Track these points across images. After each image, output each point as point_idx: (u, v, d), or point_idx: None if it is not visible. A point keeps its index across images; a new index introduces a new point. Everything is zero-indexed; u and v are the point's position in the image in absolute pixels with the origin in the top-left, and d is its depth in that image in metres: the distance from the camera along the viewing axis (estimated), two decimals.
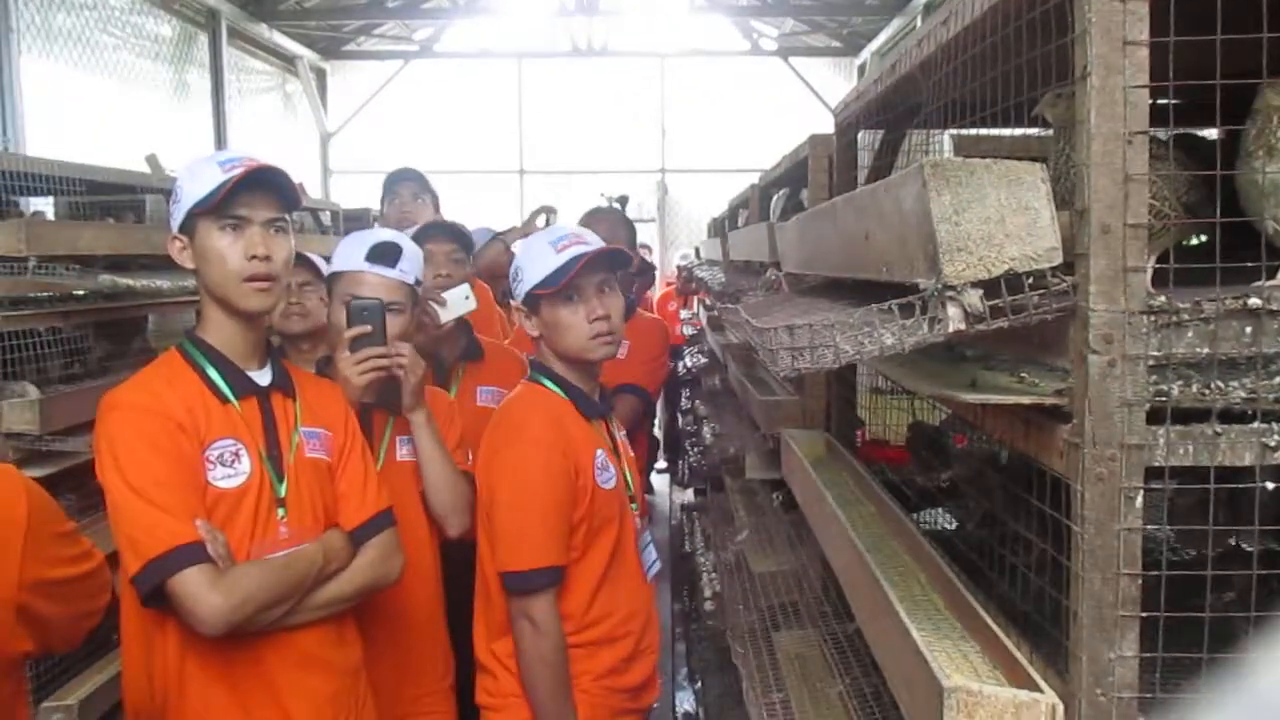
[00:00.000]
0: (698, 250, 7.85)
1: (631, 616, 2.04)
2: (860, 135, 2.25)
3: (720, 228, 5.35)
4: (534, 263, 2.04)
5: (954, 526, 1.87)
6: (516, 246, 2.73)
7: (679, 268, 8.41)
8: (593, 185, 10.76)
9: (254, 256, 1.68)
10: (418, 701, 2.20)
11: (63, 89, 7.54)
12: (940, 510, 1.98)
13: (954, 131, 2.05)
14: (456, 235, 2.72)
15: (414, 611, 2.17)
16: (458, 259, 2.71)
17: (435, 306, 2.47)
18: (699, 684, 4.30)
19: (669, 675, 4.87)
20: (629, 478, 2.12)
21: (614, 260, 2.06)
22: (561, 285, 1.97)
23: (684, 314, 7.90)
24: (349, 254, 2.20)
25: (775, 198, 3.47)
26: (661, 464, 8.11)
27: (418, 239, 2.69)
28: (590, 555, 1.99)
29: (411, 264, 2.21)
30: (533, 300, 2.05)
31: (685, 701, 4.65)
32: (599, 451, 2.02)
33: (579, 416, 2.04)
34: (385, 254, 2.17)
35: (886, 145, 2.16)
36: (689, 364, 5.80)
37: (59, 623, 1.32)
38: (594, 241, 2.04)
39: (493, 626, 2.03)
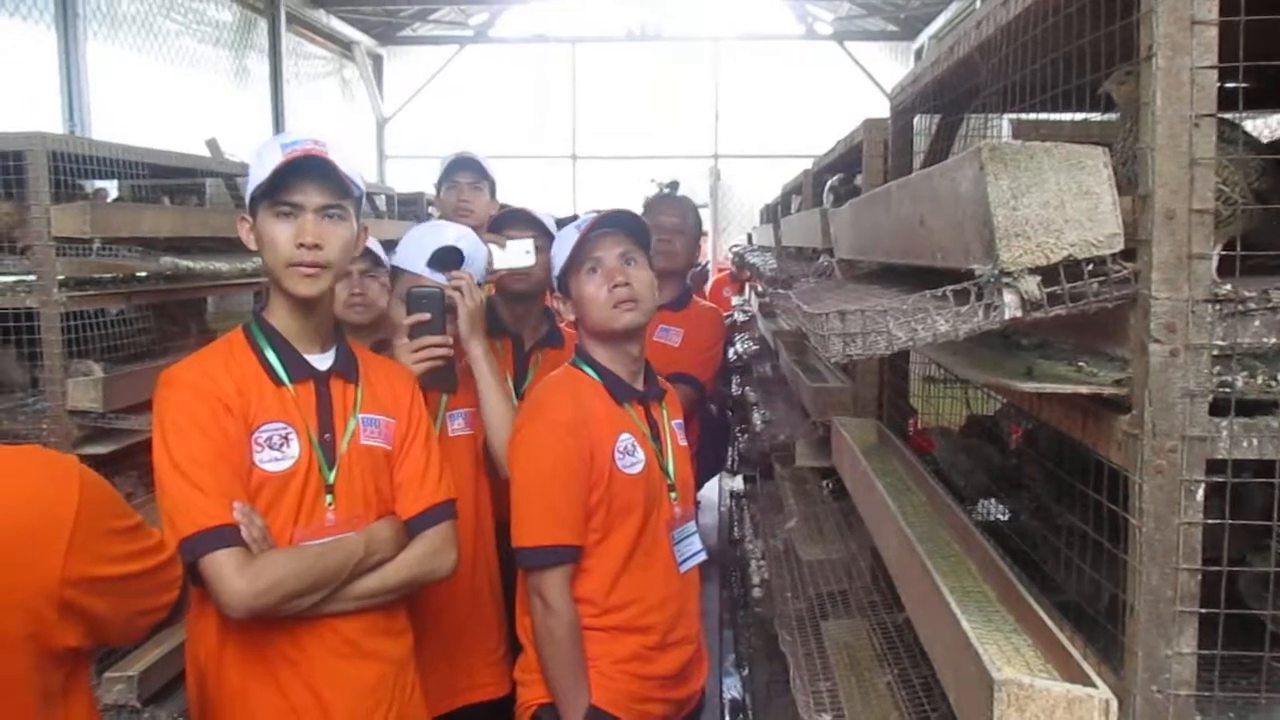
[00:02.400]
0: (750, 236, 7.81)
1: (659, 606, 2.03)
2: (916, 120, 2.22)
3: (773, 213, 5.31)
4: (561, 246, 2.09)
5: (1007, 518, 1.84)
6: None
7: (732, 253, 8.38)
8: (646, 170, 10.74)
9: (302, 244, 1.69)
10: (472, 675, 2.23)
11: (127, 74, 7.69)
12: (994, 501, 1.95)
13: (1013, 116, 2.02)
14: (536, 225, 2.73)
15: (466, 586, 2.20)
16: (537, 247, 2.73)
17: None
18: (746, 671, 4.30)
19: (715, 662, 4.87)
20: (669, 466, 2.12)
21: (631, 226, 2.07)
22: (579, 256, 2.00)
23: (736, 300, 7.87)
24: (412, 253, 2.23)
25: (829, 183, 3.44)
26: None
27: (497, 226, 2.71)
28: (611, 539, 1.99)
29: (475, 266, 2.24)
30: (564, 283, 2.08)
31: (732, 689, 4.65)
32: (624, 435, 2.02)
33: (609, 399, 2.05)
34: (446, 261, 2.20)
35: (943, 130, 2.12)
36: (740, 350, 5.77)
37: (115, 619, 1.28)
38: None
39: (523, 603, 2.06)
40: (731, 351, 5.98)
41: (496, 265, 2.47)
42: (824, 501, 2.93)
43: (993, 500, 1.95)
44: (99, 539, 1.21)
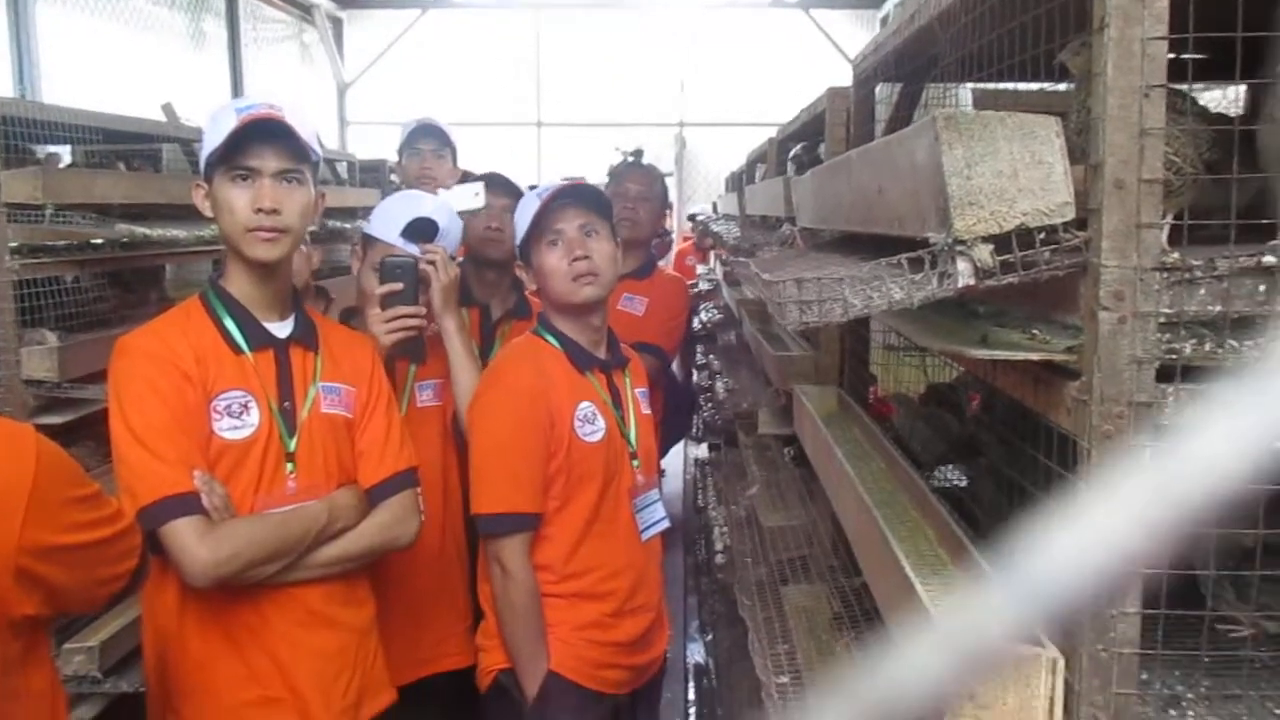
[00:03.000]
0: (715, 205, 7.80)
1: (619, 573, 2.05)
2: (878, 88, 2.23)
3: (738, 182, 5.31)
4: (522, 215, 2.08)
5: (964, 484, 1.87)
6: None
7: (693, 221, 8.37)
8: (611, 138, 10.68)
9: (260, 209, 1.68)
10: (440, 644, 2.24)
11: (79, 36, 7.51)
12: (951, 468, 1.98)
13: (973, 85, 2.03)
14: (510, 189, 2.71)
15: (430, 556, 2.20)
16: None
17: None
18: (710, 636, 4.35)
19: (680, 628, 4.92)
20: (631, 434, 2.13)
21: (592, 200, 2.07)
22: (540, 226, 2.00)
23: (700, 269, 7.88)
24: (385, 222, 2.21)
25: (792, 152, 3.44)
26: None
27: None
28: (571, 507, 2.00)
29: (449, 240, 2.23)
30: (525, 252, 2.08)
31: (696, 654, 4.70)
32: (584, 404, 2.03)
33: (570, 368, 2.05)
34: (421, 231, 2.18)
35: (905, 99, 2.13)
36: (704, 319, 5.79)
37: (74, 587, 1.28)
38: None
39: (483, 569, 2.07)
40: (696, 320, 6.00)
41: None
42: (786, 468, 2.95)
43: (950, 467, 1.98)
44: (56, 508, 1.21)
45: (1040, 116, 0.95)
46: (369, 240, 2.25)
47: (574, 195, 2.05)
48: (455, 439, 2.28)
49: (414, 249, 2.15)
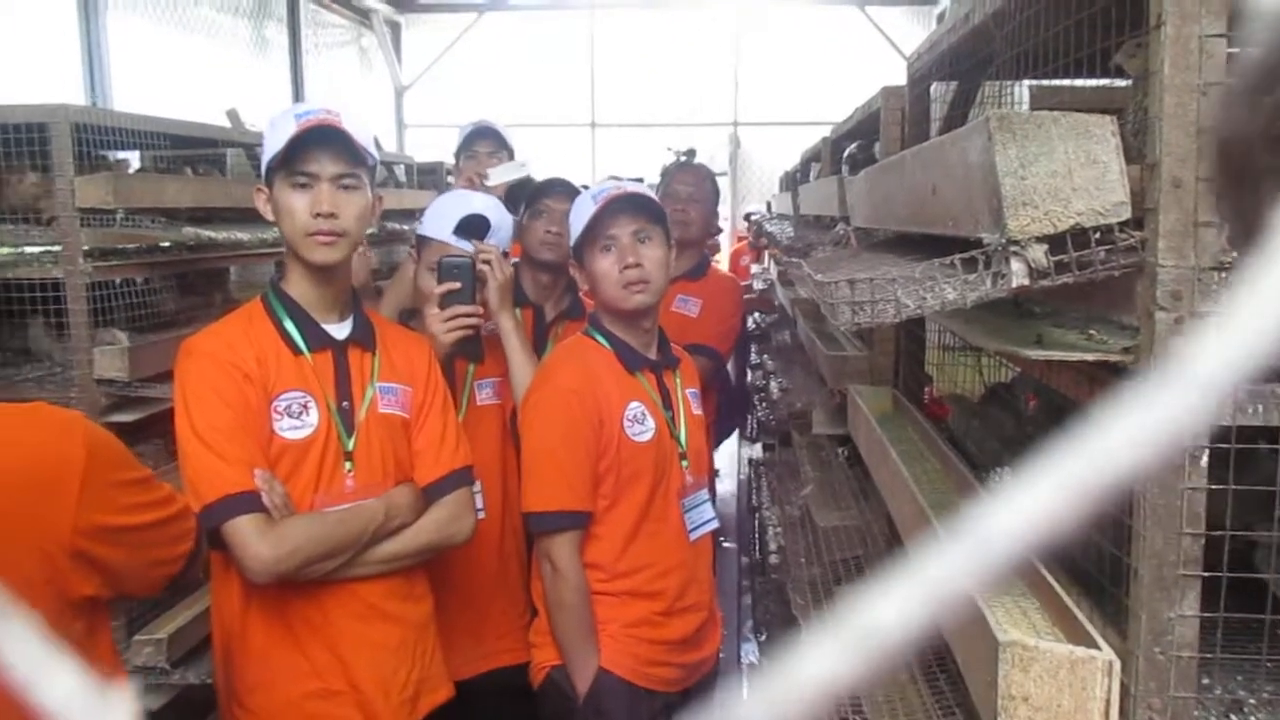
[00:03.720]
0: (769, 204, 7.77)
1: (668, 573, 2.06)
2: (934, 87, 2.21)
3: (792, 181, 5.29)
4: (576, 217, 2.08)
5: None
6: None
7: (749, 221, 8.35)
8: (665, 138, 10.69)
9: (318, 214, 1.71)
10: (499, 640, 2.27)
11: (146, 44, 7.70)
12: (1009, 469, 1.96)
13: (1031, 82, 2.01)
14: (574, 196, 2.73)
15: (490, 553, 2.23)
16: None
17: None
18: (764, 636, 4.34)
19: (734, 628, 4.92)
20: (681, 434, 2.13)
21: (645, 206, 2.07)
22: (593, 231, 2.01)
23: (755, 269, 7.85)
24: (439, 221, 2.24)
25: (847, 151, 3.43)
26: None
27: (537, 193, 2.72)
28: (620, 506, 2.02)
29: (500, 236, 2.25)
30: (578, 253, 2.09)
31: (750, 653, 4.70)
32: (634, 404, 2.04)
33: (620, 368, 2.07)
34: (473, 228, 2.21)
35: (960, 97, 2.12)
36: (759, 319, 5.77)
37: (130, 569, 1.32)
38: (633, 190, 2.07)
39: (535, 567, 2.10)
40: (750, 320, 5.99)
41: (493, 181, 2.49)
42: (840, 468, 2.94)
43: (1008, 468, 1.96)
44: (108, 490, 1.25)
45: (1095, 116, 0.94)
46: (423, 241, 2.28)
47: (628, 202, 2.06)
48: (514, 436, 2.31)
49: (467, 245, 2.18)
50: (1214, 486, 0.93)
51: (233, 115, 4.10)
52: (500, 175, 2.47)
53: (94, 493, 1.21)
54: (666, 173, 3.88)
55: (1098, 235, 0.95)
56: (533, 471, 2.02)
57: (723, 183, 11.63)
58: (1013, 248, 0.95)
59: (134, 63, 7.40)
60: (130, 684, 1.46)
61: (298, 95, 9.99)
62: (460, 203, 2.29)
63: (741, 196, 11.97)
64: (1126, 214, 0.94)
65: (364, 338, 1.86)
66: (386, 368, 1.87)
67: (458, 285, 2.09)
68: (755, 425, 5.82)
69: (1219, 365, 0.16)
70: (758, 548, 4.74)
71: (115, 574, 1.29)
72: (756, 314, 5.95)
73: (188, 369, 1.71)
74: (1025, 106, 2.07)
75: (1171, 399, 0.16)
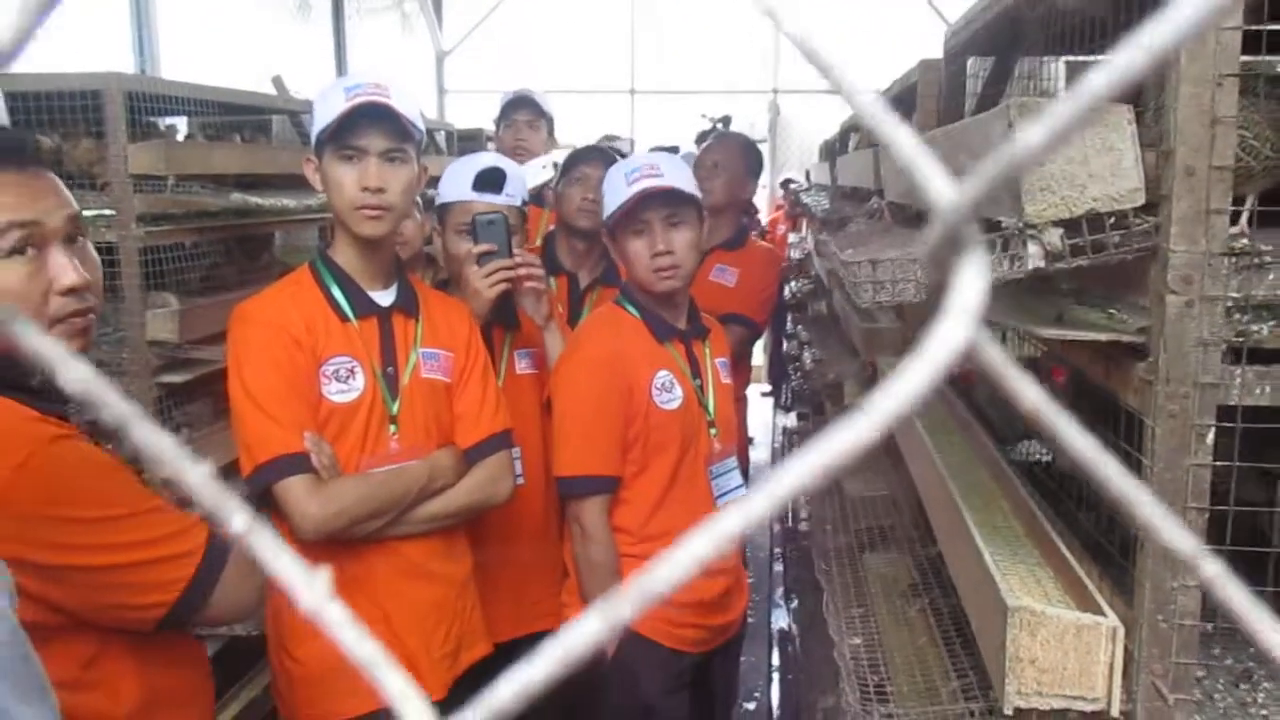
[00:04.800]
0: (808, 174, 7.75)
1: None
2: (970, 62, 2.23)
3: (830, 151, 5.29)
4: (610, 193, 2.12)
5: (1043, 458, 1.89)
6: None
7: (785, 189, 8.32)
8: (704, 106, 10.65)
9: (366, 188, 1.77)
10: (536, 605, 2.33)
11: (192, 11, 7.79)
12: (1033, 442, 2.00)
13: (1067, 59, 2.02)
14: (610, 162, 2.77)
15: (532, 520, 2.30)
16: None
17: None
18: (794, 603, 4.41)
19: (765, 594, 4.99)
20: (709, 403, 2.18)
21: (678, 198, 2.10)
22: (625, 218, 2.04)
23: (792, 238, 7.84)
24: (455, 184, 2.28)
25: None
26: (765, 388, 8.14)
27: (573, 160, 2.76)
28: (649, 472, 2.08)
29: (516, 186, 2.29)
30: (610, 229, 2.13)
31: (780, 619, 4.77)
32: (662, 372, 2.09)
33: (649, 337, 2.11)
34: (491, 180, 2.24)
35: (996, 73, 2.13)
36: (794, 289, 5.79)
37: (77, 606, 1.22)
38: (667, 173, 2.07)
39: (566, 530, 2.16)
40: (786, 289, 6.00)
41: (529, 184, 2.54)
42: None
43: (1032, 441, 2.00)
44: (36, 522, 1.17)
45: (1113, 104, 0.97)
46: (445, 208, 2.30)
47: (660, 196, 2.08)
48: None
49: (490, 197, 2.21)
50: (1218, 464, 0.97)
51: (278, 83, 4.16)
52: (531, 181, 2.53)
53: (10, 520, 1.14)
54: (699, 141, 3.89)
55: (1112, 220, 0.98)
56: (563, 437, 2.08)
57: (762, 151, 11.58)
58: (1030, 231, 0.98)
59: (180, 29, 7.49)
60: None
61: (340, 61, 10.06)
62: (471, 162, 2.32)
63: (781, 165, 11.91)
64: (1141, 200, 0.98)
65: (408, 305, 1.92)
66: (429, 334, 1.93)
67: (494, 246, 2.13)
68: (790, 394, 5.86)
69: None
70: (789, 516, 4.79)
71: (64, 609, 1.20)
72: (793, 283, 5.96)
73: (240, 334, 1.79)
74: (1061, 83, 2.09)
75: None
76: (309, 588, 0.17)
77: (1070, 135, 0.19)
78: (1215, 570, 0.19)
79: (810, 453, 0.17)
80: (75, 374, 0.17)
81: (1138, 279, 1.10)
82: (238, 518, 0.18)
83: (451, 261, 2.28)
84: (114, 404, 0.18)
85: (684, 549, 0.18)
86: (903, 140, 0.16)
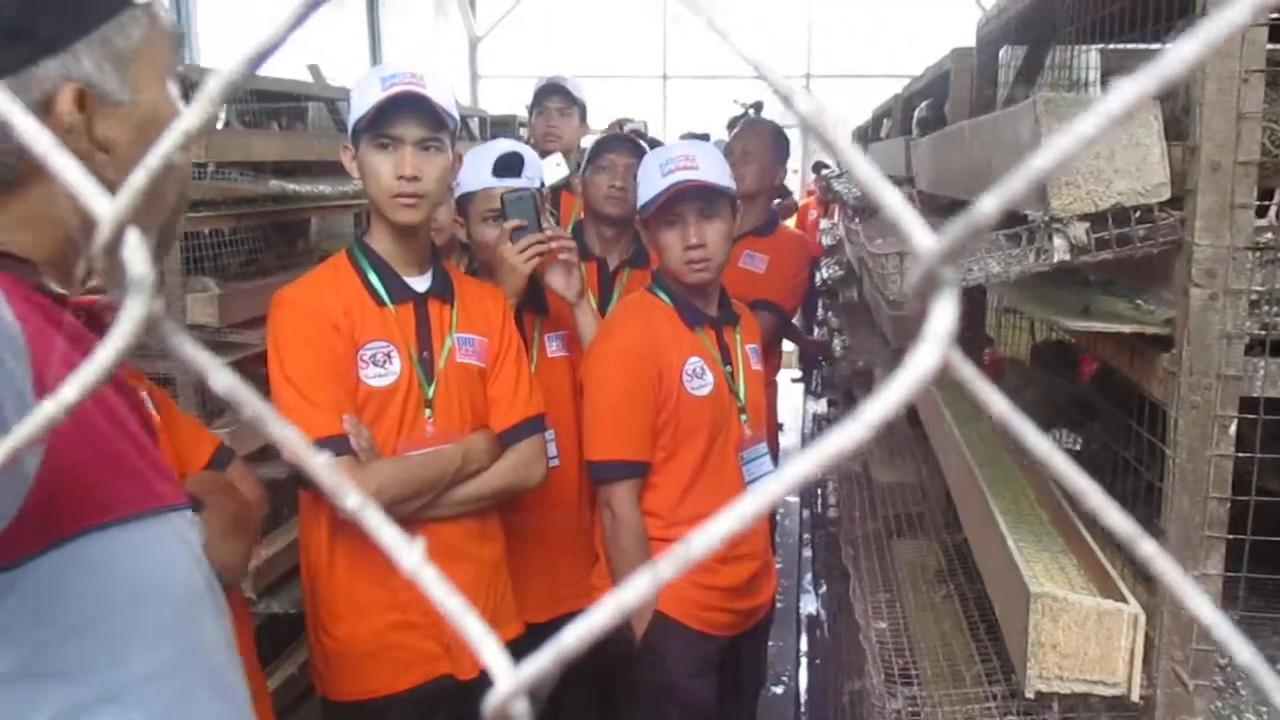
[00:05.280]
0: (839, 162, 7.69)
1: None
2: (1002, 51, 2.22)
3: (863, 137, 5.28)
4: (644, 183, 2.14)
5: (1074, 448, 1.90)
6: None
7: (818, 173, 8.29)
8: (737, 91, 10.60)
9: (402, 176, 1.80)
10: (571, 586, 2.36)
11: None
12: (1064, 431, 2.01)
13: (1100, 47, 2.01)
14: (640, 152, 2.78)
15: (566, 503, 2.33)
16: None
17: None
18: (823, 588, 4.43)
19: (794, 579, 5.01)
20: (740, 389, 2.20)
21: (712, 193, 2.11)
22: (659, 210, 2.06)
23: (824, 224, 7.82)
24: (475, 172, 2.30)
25: (917, 111, 3.43)
26: (796, 374, 8.14)
27: (600, 148, 2.78)
28: (679, 457, 2.10)
29: (535, 170, 2.31)
30: (643, 218, 2.15)
31: (809, 604, 4.79)
32: (693, 359, 2.11)
33: (680, 324, 2.14)
34: (510, 165, 2.27)
35: (1029, 62, 2.13)
36: (825, 275, 5.79)
37: None
38: (702, 165, 2.08)
39: (597, 514, 2.20)
40: (818, 277, 6.00)
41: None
42: (901, 426, 2.99)
43: (1063, 430, 2.01)
44: None
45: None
46: (467, 198, 2.32)
47: (695, 190, 2.09)
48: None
49: (511, 181, 2.23)
50: (1240, 454, 0.98)
51: (314, 71, 4.22)
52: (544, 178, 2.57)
53: None
54: (733, 127, 3.90)
55: (1138, 214, 1.00)
56: (594, 423, 2.12)
57: (793, 137, 11.53)
58: (1055, 225, 1.00)
59: (219, 18, 7.57)
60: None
61: (374, 47, 10.12)
62: (489, 149, 2.34)
63: (813, 151, 11.86)
64: (1166, 194, 0.99)
65: (443, 290, 1.96)
66: (464, 319, 1.97)
67: (524, 222, 2.16)
68: (820, 381, 5.86)
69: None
70: (819, 502, 4.81)
71: None
72: (824, 269, 5.95)
73: (280, 319, 1.83)
74: (1096, 71, 2.08)
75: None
76: (409, 553, 0.20)
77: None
78: (1151, 550, 0.22)
79: (809, 453, 0.19)
80: (221, 379, 0.20)
81: (1163, 272, 1.11)
82: (352, 497, 0.21)
83: (481, 250, 2.31)
84: (252, 404, 0.21)
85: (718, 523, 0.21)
86: (890, 198, 0.19)
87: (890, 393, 0.20)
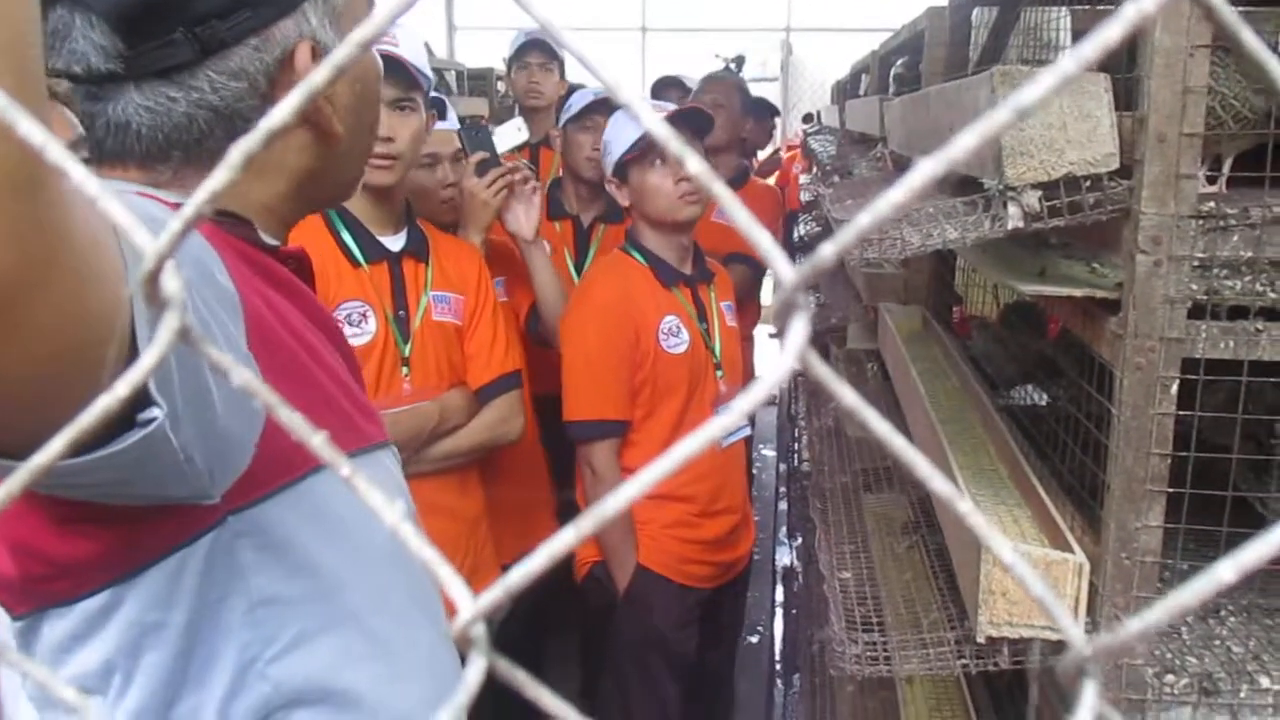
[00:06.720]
0: (819, 115, 7.70)
1: (702, 477, 2.20)
2: (975, 12, 2.25)
3: (841, 93, 5.27)
4: (620, 133, 2.15)
5: (1033, 404, 1.95)
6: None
7: (806, 122, 8.27)
8: (716, 44, 10.53)
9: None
10: (538, 530, 2.41)
11: None
12: (1026, 389, 2.06)
13: (1072, 7, 2.04)
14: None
15: (520, 454, 2.37)
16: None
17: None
18: (798, 541, 4.51)
19: (770, 532, 5.10)
20: (715, 346, 2.25)
21: (693, 121, 2.14)
22: (642, 153, 2.09)
23: (804, 179, 7.82)
24: None
25: (894, 68, 3.44)
26: (772, 330, 8.18)
27: (586, 109, 2.78)
28: (657, 415, 2.15)
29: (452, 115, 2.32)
30: (621, 169, 2.17)
31: (784, 556, 4.88)
32: (669, 317, 2.15)
33: (656, 283, 2.17)
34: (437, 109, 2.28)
35: (1001, 22, 2.15)
36: (803, 232, 5.81)
37: None
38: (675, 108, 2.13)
39: (578, 472, 2.25)
40: (795, 234, 6.03)
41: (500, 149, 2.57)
42: (874, 382, 3.05)
43: (1025, 388, 2.06)
44: None
45: (1091, 73, 1.02)
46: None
47: (681, 120, 2.12)
48: (531, 341, 2.42)
49: (438, 124, 2.20)
50: (1181, 413, 1.04)
51: None
52: (505, 143, 2.55)
53: None
54: (700, 82, 3.89)
55: (1088, 183, 1.04)
56: (573, 383, 2.16)
57: (774, 90, 11.50)
58: (1010, 193, 1.04)
59: None
60: None
61: None
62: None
63: (793, 105, 11.81)
64: (1116, 164, 1.03)
65: (418, 249, 1.98)
66: (439, 277, 1.99)
67: (487, 154, 2.16)
68: None
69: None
70: (795, 457, 4.88)
71: None
72: (802, 225, 5.97)
73: None
74: (1067, 34, 2.11)
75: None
76: (390, 510, 0.24)
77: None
78: (966, 508, 0.26)
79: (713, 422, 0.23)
80: (238, 375, 0.24)
81: (1113, 238, 1.15)
82: (345, 467, 0.25)
83: (421, 199, 2.28)
84: (264, 395, 0.24)
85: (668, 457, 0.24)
86: (760, 238, 0.23)
87: (759, 388, 0.24)
